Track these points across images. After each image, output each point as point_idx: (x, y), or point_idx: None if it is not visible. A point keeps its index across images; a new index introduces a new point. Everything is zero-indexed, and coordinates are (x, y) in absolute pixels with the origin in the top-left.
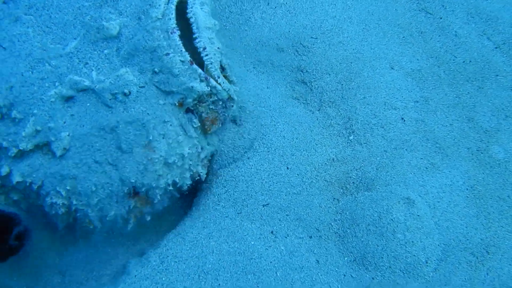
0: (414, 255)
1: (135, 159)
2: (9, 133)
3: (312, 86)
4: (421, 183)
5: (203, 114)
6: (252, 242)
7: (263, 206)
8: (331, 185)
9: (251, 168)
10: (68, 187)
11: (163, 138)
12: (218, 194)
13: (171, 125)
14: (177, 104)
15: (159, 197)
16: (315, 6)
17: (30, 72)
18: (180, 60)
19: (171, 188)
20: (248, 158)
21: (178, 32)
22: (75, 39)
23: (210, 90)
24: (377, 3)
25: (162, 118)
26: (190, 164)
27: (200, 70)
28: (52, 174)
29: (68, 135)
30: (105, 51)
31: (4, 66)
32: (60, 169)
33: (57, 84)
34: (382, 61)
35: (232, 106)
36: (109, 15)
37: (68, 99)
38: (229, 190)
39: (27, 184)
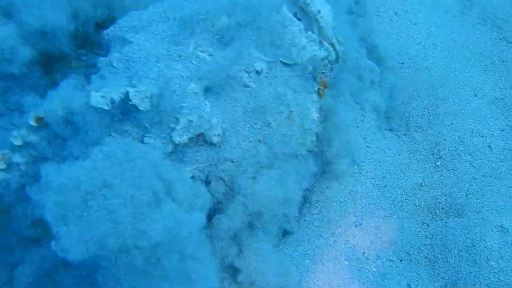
0: (507, 284)
1: (280, 132)
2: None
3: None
4: None
5: (317, 78)
6: (346, 263)
7: (356, 227)
8: (420, 209)
9: (344, 189)
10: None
11: (298, 107)
12: (312, 214)
13: (300, 94)
14: (300, 73)
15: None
16: (401, 32)
17: (164, 70)
18: (298, 29)
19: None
20: (340, 180)
21: (284, 5)
22: (192, 38)
23: (327, 54)
24: (459, 31)
25: (293, 88)
26: (315, 127)
27: (314, 36)
28: (215, 161)
29: (218, 121)
30: (225, 38)
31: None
32: (220, 155)
33: (193, 77)
34: (466, 88)
35: (335, 68)
36: None
37: (207, 88)
38: (323, 210)
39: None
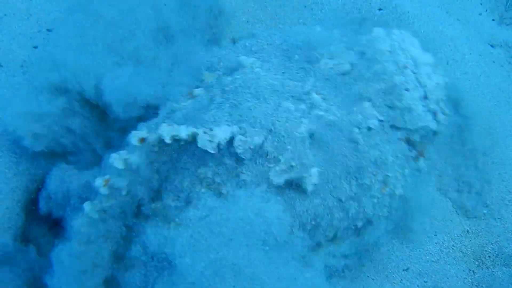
0: None
1: (372, 193)
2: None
3: None
4: None
5: (417, 147)
6: None
7: (404, 271)
8: (466, 256)
9: None
10: (313, 223)
11: (395, 172)
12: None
13: (399, 159)
14: (404, 139)
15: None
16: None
17: (275, 108)
18: (419, 96)
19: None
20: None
21: (410, 68)
22: (311, 77)
23: (437, 126)
24: (507, 81)
25: (395, 153)
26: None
27: (432, 106)
28: (300, 211)
29: (317, 171)
30: (341, 87)
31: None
32: (308, 205)
33: (303, 119)
34: None
35: (435, 139)
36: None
37: (314, 134)
38: (372, 253)
39: None
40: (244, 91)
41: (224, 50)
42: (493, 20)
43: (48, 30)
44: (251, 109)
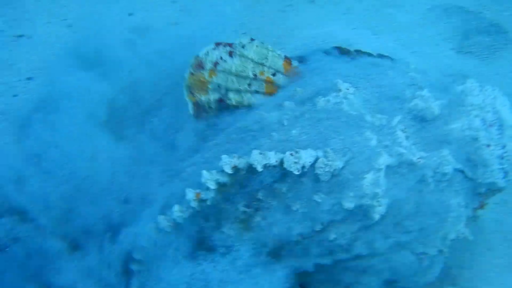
0: None
1: (431, 240)
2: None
3: None
4: None
5: (479, 198)
6: None
7: None
8: None
9: None
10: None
11: (453, 220)
12: None
13: (462, 208)
14: (471, 191)
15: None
16: None
17: (360, 136)
18: (499, 154)
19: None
20: None
21: (496, 125)
22: (398, 114)
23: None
24: None
25: (460, 201)
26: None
27: (506, 166)
28: (364, 237)
29: (387, 203)
30: (425, 129)
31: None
32: (372, 233)
33: (384, 153)
34: None
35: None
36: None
37: (392, 168)
38: None
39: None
40: (333, 115)
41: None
42: (452, 49)
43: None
44: (337, 133)
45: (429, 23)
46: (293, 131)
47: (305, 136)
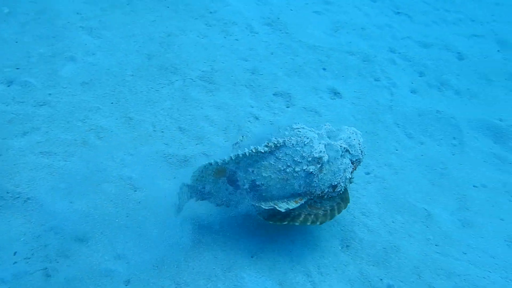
0: None
1: (341, 177)
2: None
3: None
4: None
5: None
6: None
7: None
8: None
9: None
10: None
11: (348, 170)
12: None
13: (349, 166)
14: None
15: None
16: None
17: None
18: (359, 142)
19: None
20: None
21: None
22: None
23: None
24: None
25: (348, 163)
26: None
27: (363, 150)
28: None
29: (327, 157)
30: (333, 136)
31: None
32: (320, 168)
33: (322, 142)
34: None
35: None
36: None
37: (325, 146)
38: None
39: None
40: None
41: None
42: None
43: None
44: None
45: None
46: None
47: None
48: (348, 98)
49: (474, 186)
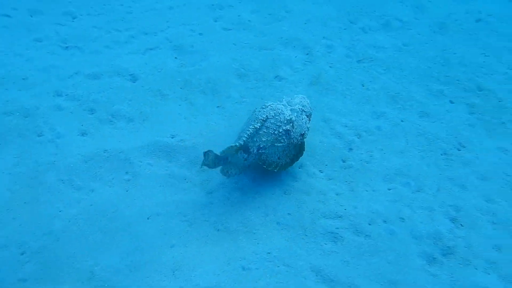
0: None
1: (299, 131)
2: None
3: None
4: None
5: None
6: None
7: None
8: None
9: None
10: None
11: (306, 125)
12: None
13: (307, 121)
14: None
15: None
16: None
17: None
18: (308, 103)
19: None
20: None
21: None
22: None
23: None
24: None
25: (305, 118)
26: (307, 128)
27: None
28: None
29: (294, 116)
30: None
31: None
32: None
33: (289, 108)
34: None
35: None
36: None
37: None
38: None
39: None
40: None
41: None
42: None
43: None
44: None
45: None
46: None
47: None
48: (5, 168)
49: (148, 218)
